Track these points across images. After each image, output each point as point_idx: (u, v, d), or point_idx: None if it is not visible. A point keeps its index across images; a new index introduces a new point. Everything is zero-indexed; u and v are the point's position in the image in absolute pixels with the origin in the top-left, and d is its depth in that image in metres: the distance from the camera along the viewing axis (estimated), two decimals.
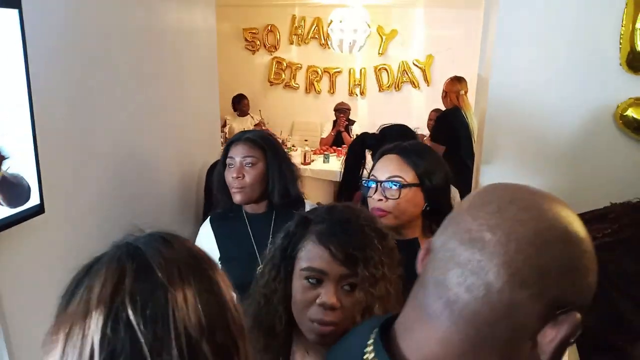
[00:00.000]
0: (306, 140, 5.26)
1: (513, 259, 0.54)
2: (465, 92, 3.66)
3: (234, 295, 0.64)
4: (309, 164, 4.92)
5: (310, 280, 0.89)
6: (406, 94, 6.14)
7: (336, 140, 5.52)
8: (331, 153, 5.14)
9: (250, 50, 6.51)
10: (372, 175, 1.35)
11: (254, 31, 6.44)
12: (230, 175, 1.58)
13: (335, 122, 5.63)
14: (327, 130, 5.71)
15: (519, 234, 0.55)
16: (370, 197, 1.31)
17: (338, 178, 4.38)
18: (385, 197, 1.29)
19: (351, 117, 5.69)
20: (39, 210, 1.62)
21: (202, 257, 0.65)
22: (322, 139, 5.67)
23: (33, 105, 1.52)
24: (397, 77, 6.11)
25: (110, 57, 2.04)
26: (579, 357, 1.70)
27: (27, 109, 1.54)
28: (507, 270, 0.54)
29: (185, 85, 2.70)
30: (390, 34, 6.00)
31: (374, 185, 1.31)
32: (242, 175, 1.57)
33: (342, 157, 4.92)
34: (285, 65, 6.47)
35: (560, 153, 2.66)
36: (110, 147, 2.06)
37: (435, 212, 1.30)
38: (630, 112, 2.47)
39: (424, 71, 5.97)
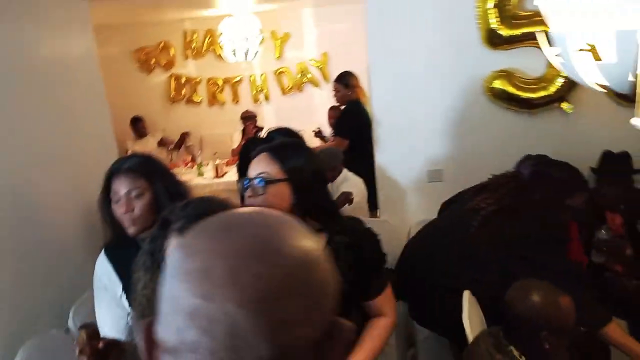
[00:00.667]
0: (215, 153, 5.24)
1: (275, 333, 0.46)
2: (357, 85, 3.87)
3: None
4: (222, 176, 4.91)
5: None
6: (309, 94, 6.27)
7: None
8: None
9: (145, 70, 6.36)
10: (247, 174, 1.42)
11: (147, 50, 6.29)
12: (118, 210, 1.53)
13: (244, 130, 5.65)
14: (237, 140, 5.72)
15: (270, 296, 0.47)
16: (245, 194, 1.39)
17: None
18: (255, 193, 1.37)
19: (259, 123, 5.74)
20: None
21: None
22: (232, 149, 5.67)
23: None
24: (297, 78, 6.23)
25: None
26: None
27: None
28: (276, 350, 0.46)
29: (71, 117, 2.62)
30: (283, 37, 6.10)
31: (247, 183, 1.39)
32: (131, 208, 1.52)
33: None
34: (184, 80, 6.39)
35: (441, 131, 2.88)
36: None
37: (311, 206, 1.40)
38: (497, 84, 2.72)
39: (321, 70, 6.14)
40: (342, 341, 0.52)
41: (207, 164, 5.27)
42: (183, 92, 6.40)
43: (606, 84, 0.95)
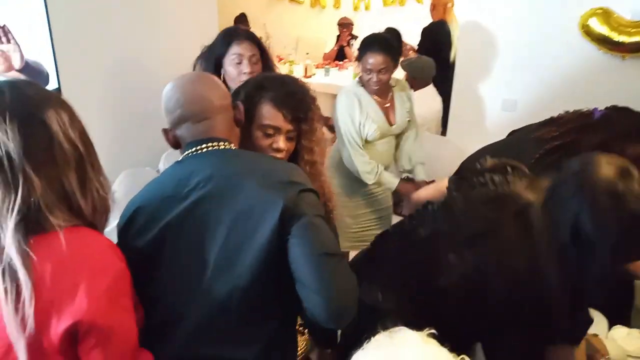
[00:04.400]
0: (307, 54, 5.43)
1: None
2: (452, 5, 3.82)
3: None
4: (310, 77, 5.13)
5: (267, 133, 1.27)
6: (410, 9, 6.17)
7: (339, 55, 5.70)
8: (332, 67, 5.33)
9: None
10: None
11: None
12: (237, 70, 1.80)
13: (338, 36, 5.78)
14: (330, 45, 5.87)
15: None
16: None
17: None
18: None
19: (354, 32, 5.82)
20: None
21: (31, 99, 0.85)
22: (325, 53, 5.83)
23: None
24: None
25: None
26: None
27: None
28: None
29: (179, 12, 2.87)
30: None
31: None
32: (253, 70, 1.80)
33: (344, 71, 5.16)
34: None
35: (523, 62, 2.89)
36: (117, 51, 2.38)
37: None
38: (592, 22, 2.66)
39: None
40: None
41: (298, 64, 5.50)
42: None
43: None
